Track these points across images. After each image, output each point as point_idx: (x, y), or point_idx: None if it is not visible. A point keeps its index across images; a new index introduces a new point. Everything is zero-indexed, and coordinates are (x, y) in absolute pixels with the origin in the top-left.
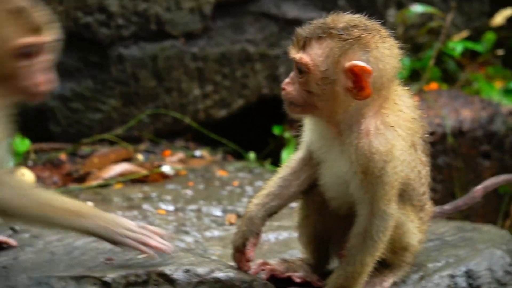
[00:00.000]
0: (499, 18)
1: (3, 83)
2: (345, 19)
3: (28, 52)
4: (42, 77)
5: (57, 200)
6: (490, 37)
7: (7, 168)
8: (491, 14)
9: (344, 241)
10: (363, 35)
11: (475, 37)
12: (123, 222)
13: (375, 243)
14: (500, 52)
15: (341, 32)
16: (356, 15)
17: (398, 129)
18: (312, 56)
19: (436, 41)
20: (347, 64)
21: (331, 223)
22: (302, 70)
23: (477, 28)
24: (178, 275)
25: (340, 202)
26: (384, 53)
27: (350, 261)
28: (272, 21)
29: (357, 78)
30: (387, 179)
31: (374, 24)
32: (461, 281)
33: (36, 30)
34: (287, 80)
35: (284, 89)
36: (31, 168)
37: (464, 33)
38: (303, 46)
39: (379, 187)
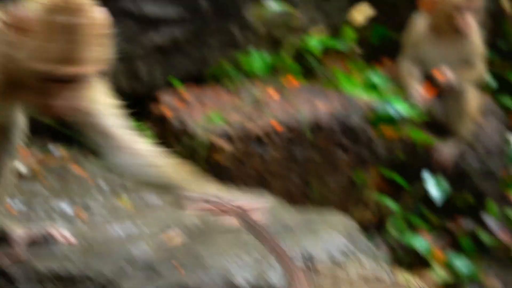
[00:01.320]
0: (360, 17)
1: None
2: None
3: None
4: None
5: None
6: (349, 34)
7: None
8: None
9: None
10: None
11: (334, 32)
12: None
13: None
14: (358, 50)
15: None
16: None
17: None
18: None
19: (294, 37)
20: None
21: None
22: None
23: (336, 24)
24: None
25: None
26: None
27: None
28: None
29: None
30: None
31: None
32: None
33: None
34: None
35: None
36: None
37: (322, 29)
38: None
39: None
